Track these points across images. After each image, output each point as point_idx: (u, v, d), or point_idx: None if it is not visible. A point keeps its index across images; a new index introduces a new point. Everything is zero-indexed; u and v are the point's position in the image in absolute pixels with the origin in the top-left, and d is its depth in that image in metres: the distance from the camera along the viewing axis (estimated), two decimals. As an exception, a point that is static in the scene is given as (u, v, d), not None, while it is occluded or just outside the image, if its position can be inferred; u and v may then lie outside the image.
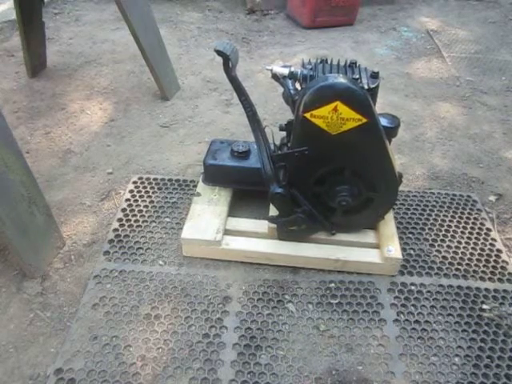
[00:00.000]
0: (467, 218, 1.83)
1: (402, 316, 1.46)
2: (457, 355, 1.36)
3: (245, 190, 1.79)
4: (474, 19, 3.73)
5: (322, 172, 1.47)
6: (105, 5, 3.68)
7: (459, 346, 1.38)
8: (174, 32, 3.32)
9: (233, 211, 1.76)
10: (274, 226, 1.59)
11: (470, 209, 1.87)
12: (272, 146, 1.56)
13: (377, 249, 1.59)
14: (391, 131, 1.48)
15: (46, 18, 3.17)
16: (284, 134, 1.62)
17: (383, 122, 1.45)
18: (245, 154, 1.76)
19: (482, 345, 1.39)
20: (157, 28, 2.43)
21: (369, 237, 1.62)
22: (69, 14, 3.53)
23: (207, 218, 1.65)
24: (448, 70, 2.96)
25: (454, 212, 1.85)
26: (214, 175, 1.78)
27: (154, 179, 1.96)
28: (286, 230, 1.58)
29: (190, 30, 3.38)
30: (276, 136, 1.61)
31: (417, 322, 1.45)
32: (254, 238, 1.62)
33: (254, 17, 3.65)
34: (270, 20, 3.62)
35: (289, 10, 3.65)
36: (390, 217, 1.65)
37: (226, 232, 1.64)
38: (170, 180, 1.96)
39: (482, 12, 3.87)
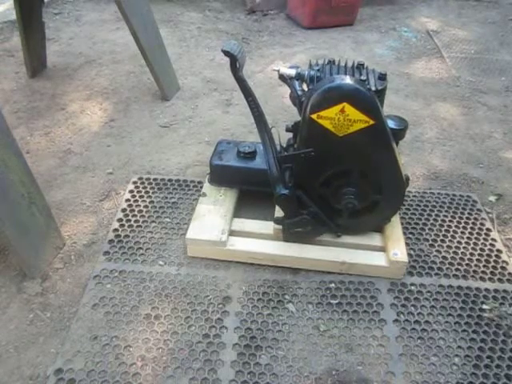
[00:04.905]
0: (467, 218, 1.83)
1: (401, 316, 1.46)
2: (457, 355, 1.36)
3: (250, 190, 1.79)
4: (473, 19, 3.73)
5: (328, 174, 1.47)
6: (105, 5, 3.68)
7: (459, 346, 1.38)
8: (174, 32, 3.32)
9: (238, 212, 1.76)
10: (280, 227, 1.59)
11: (470, 209, 1.87)
12: (278, 147, 1.56)
13: (383, 252, 1.58)
14: (398, 133, 1.48)
15: (46, 18, 3.18)
16: (290, 135, 1.62)
17: (390, 124, 1.45)
18: (251, 155, 1.76)
19: (482, 345, 1.39)
20: (157, 28, 2.43)
21: (375, 239, 1.62)
22: (69, 14, 3.53)
23: (212, 219, 1.65)
24: (448, 70, 2.96)
25: (454, 212, 1.85)
26: (220, 176, 1.78)
27: (154, 179, 1.96)
28: (291, 232, 1.57)
29: (190, 30, 3.38)
30: (282, 136, 1.61)
31: (417, 322, 1.44)
32: (260, 240, 1.62)
33: (253, 17, 3.65)
34: (270, 20, 3.62)
35: (289, 11, 3.65)
36: (396, 219, 1.65)
37: (232, 233, 1.64)
38: (169, 180, 1.96)
39: (482, 12, 3.87)
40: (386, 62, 3.02)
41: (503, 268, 1.63)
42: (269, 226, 1.64)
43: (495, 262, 1.65)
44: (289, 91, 1.54)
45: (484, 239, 1.74)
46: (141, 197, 1.87)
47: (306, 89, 1.45)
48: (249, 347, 1.36)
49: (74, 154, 2.12)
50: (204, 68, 2.88)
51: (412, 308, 1.49)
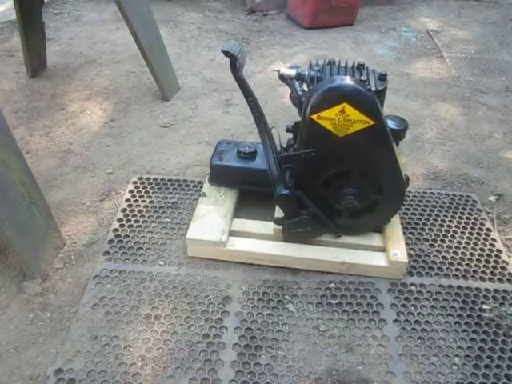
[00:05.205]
0: (467, 218, 1.83)
1: (401, 316, 1.46)
2: (457, 355, 1.36)
3: (250, 191, 1.78)
4: (473, 19, 3.73)
5: (328, 174, 1.47)
6: (105, 5, 3.68)
7: (459, 346, 1.38)
8: (174, 32, 3.32)
9: (238, 212, 1.76)
10: (280, 227, 1.59)
11: (470, 209, 1.87)
12: (278, 148, 1.56)
13: (383, 252, 1.58)
14: (399, 134, 1.48)
15: (46, 18, 3.18)
16: (290, 135, 1.62)
17: (390, 124, 1.45)
18: (251, 155, 1.76)
19: (482, 345, 1.39)
20: (157, 28, 2.43)
21: (375, 240, 1.62)
22: (69, 14, 3.53)
23: (212, 219, 1.65)
24: (448, 70, 2.96)
25: (453, 212, 1.85)
26: (220, 176, 1.78)
27: (154, 179, 1.96)
28: (291, 232, 1.57)
29: (190, 30, 3.39)
30: (282, 136, 1.61)
31: (417, 322, 1.45)
32: (260, 240, 1.62)
33: (253, 17, 3.65)
34: (270, 20, 3.62)
35: (289, 11, 3.65)
36: (396, 220, 1.65)
37: (232, 233, 1.63)
38: (169, 180, 1.96)
39: (482, 12, 3.87)
40: (386, 62, 3.02)
41: (503, 268, 1.63)
42: (269, 227, 1.63)
43: (495, 262, 1.65)
44: (289, 91, 1.54)
45: (484, 239, 1.74)
46: (141, 197, 1.87)
47: (306, 89, 1.45)
48: (249, 347, 1.36)
49: (74, 153, 2.12)
50: (204, 68, 2.88)
51: (412, 308, 1.49)
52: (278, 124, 2.23)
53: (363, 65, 1.47)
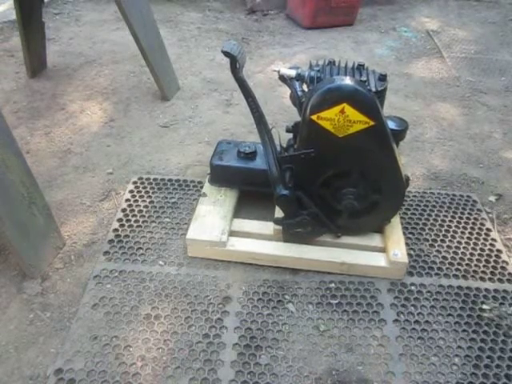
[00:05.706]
0: (467, 218, 1.83)
1: (401, 316, 1.46)
2: (457, 355, 1.36)
3: (251, 191, 1.78)
4: (473, 19, 3.73)
5: (328, 174, 1.47)
6: (105, 5, 3.68)
7: (459, 346, 1.38)
8: (174, 32, 3.32)
9: (238, 212, 1.76)
10: (280, 227, 1.59)
11: (470, 209, 1.87)
12: (278, 148, 1.56)
13: (383, 252, 1.58)
14: (399, 134, 1.48)
15: (46, 18, 3.17)
16: (291, 135, 1.62)
17: (391, 124, 1.45)
18: (251, 155, 1.76)
19: (482, 345, 1.39)
20: (157, 28, 2.43)
21: (375, 240, 1.62)
22: (69, 14, 3.53)
23: (213, 219, 1.65)
24: (448, 70, 2.96)
25: (453, 212, 1.85)
26: (221, 176, 1.78)
27: (154, 179, 1.96)
28: (291, 232, 1.57)
29: (190, 30, 3.39)
30: (282, 136, 1.61)
31: (417, 322, 1.45)
32: (260, 240, 1.62)
33: (253, 17, 3.65)
34: (270, 20, 3.62)
35: (289, 11, 3.65)
36: (396, 220, 1.65)
37: (232, 233, 1.63)
38: (169, 180, 1.96)
39: (482, 12, 3.87)
40: (385, 62, 3.02)
41: (503, 268, 1.63)
42: (269, 227, 1.63)
43: (495, 262, 1.65)
44: (289, 91, 1.54)
45: (484, 239, 1.74)
46: (141, 197, 1.87)
47: (306, 89, 1.45)
48: (249, 347, 1.36)
49: (74, 153, 2.12)
50: (204, 68, 2.88)
51: (412, 308, 1.49)
52: (278, 124, 2.23)
53: (363, 65, 1.47)
